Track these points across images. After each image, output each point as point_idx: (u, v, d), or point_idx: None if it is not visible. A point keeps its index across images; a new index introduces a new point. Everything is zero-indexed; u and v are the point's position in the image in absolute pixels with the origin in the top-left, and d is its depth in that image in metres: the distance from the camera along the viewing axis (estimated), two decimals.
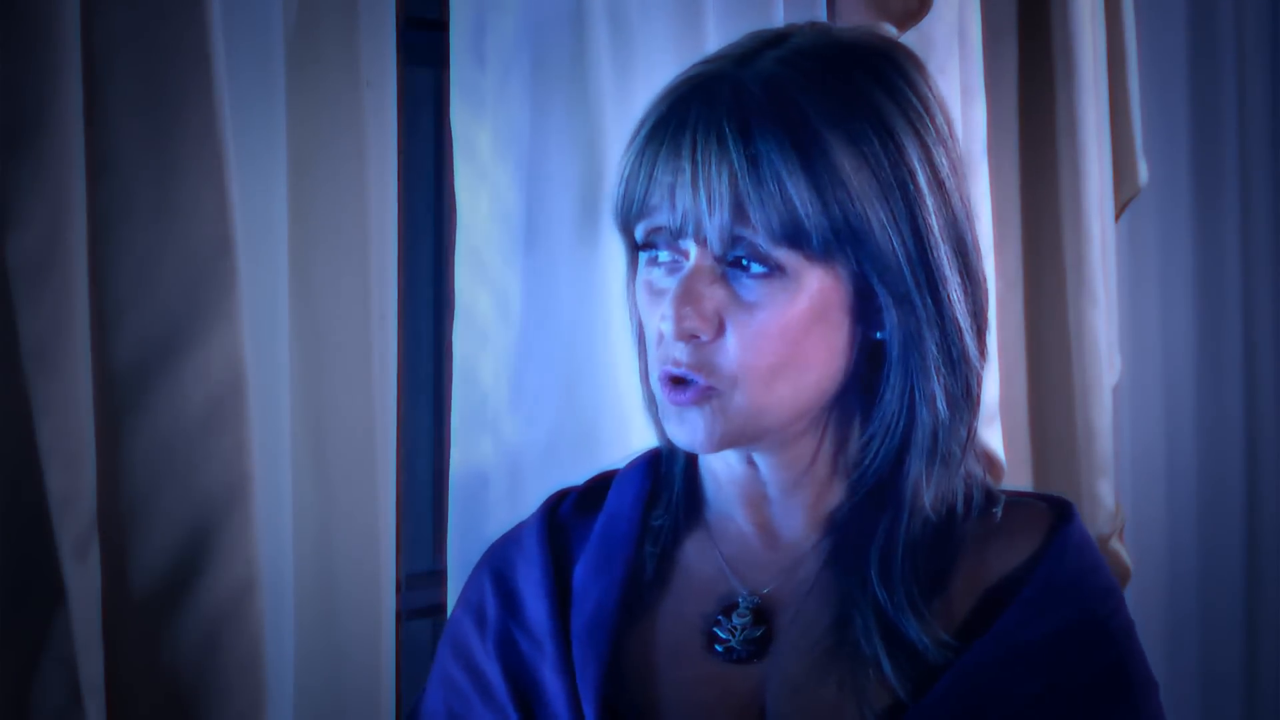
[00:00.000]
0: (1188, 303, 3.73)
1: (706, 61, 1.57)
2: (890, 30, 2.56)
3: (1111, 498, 3.09)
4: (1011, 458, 2.95)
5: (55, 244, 1.72)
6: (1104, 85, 3.13)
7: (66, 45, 1.73)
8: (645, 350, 1.59)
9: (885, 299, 1.53)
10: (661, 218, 1.53)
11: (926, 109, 1.55)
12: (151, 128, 1.81)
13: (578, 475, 1.71)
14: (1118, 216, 3.24)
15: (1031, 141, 3.06)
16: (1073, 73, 3.02)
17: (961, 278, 1.56)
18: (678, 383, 1.54)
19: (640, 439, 1.69)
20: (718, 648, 1.59)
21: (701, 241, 1.52)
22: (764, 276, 1.52)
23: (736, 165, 1.50)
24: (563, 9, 2.27)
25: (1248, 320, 3.77)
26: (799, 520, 1.60)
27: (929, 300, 1.54)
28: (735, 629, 1.58)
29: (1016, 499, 1.62)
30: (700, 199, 1.50)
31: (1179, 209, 3.71)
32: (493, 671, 1.62)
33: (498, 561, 1.68)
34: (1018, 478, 2.99)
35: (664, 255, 1.55)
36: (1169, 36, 3.66)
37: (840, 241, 1.51)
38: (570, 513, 1.68)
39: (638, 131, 1.56)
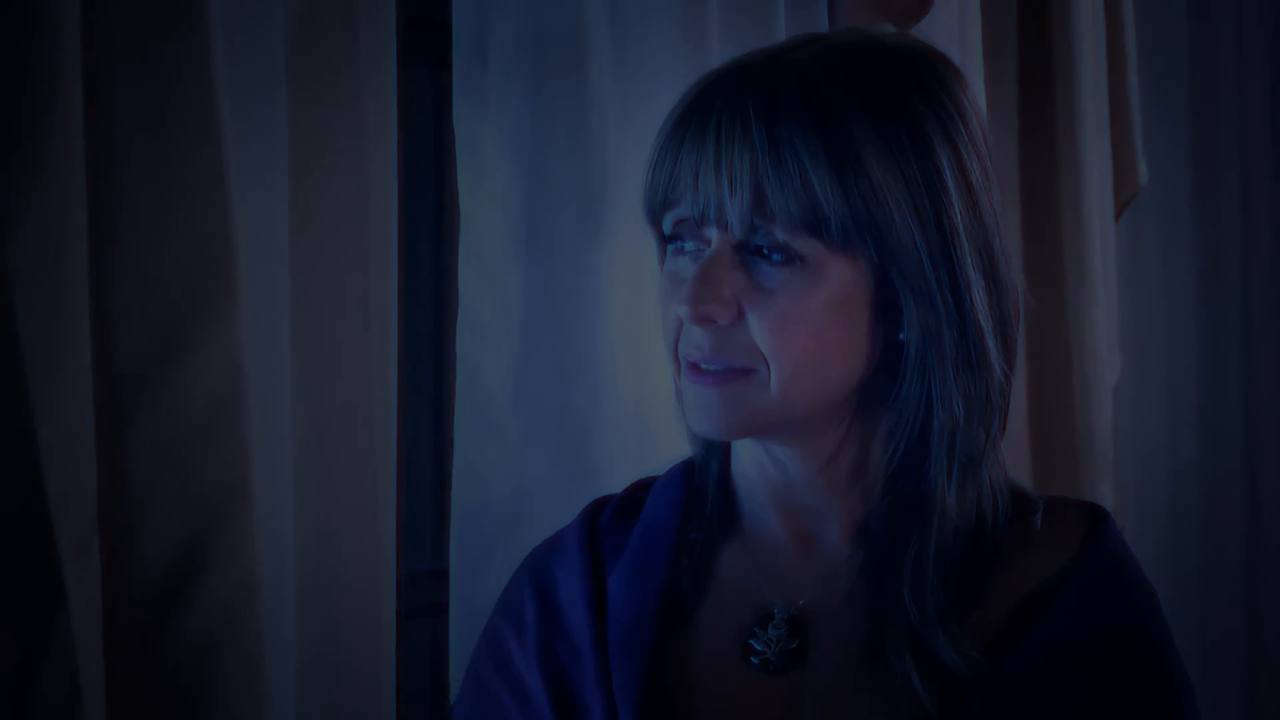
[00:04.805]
0: (1188, 302, 3.73)
1: (742, 55, 1.57)
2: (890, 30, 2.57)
3: (1112, 498, 3.09)
4: (1011, 458, 2.94)
5: (55, 244, 1.72)
6: (1104, 85, 3.13)
7: (66, 45, 1.73)
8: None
9: (905, 295, 1.52)
10: (685, 208, 1.53)
11: (961, 115, 1.54)
12: (151, 128, 1.81)
13: (581, 474, 1.70)
14: (1118, 216, 3.24)
15: (1031, 141, 3.06)
16: (1073, 73, 3.02)
17: (987, 281, 1.54)
18: (700, 371, 1.53)
19: (644, 436, 1.68)
20: (754, 659, 1.57)
21: (723, 226, 1.51)
22: (783, 264, 1.51)
23: (758, 147, 1.49)
24: (565, 10, 2.27)
25: (1248, 320, 3.77)
26: (832, 528, 1.59)
27: (950, 300, 1.52)
28: (771, 641, 1.57)
29: (1051, 505, 1.61)
30: (723, 181, 1.50)
31: (1179, 209, 3.71)
32: (533, 681, 1.61)
33: (539, 570, 1.67)
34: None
35: (689, 245, 1.55)
36: (1169, 37, 3.66)
37: (861, 231, 1.50)
38: (610, 522, 1.67)
39: (668, 119, 1.55)
